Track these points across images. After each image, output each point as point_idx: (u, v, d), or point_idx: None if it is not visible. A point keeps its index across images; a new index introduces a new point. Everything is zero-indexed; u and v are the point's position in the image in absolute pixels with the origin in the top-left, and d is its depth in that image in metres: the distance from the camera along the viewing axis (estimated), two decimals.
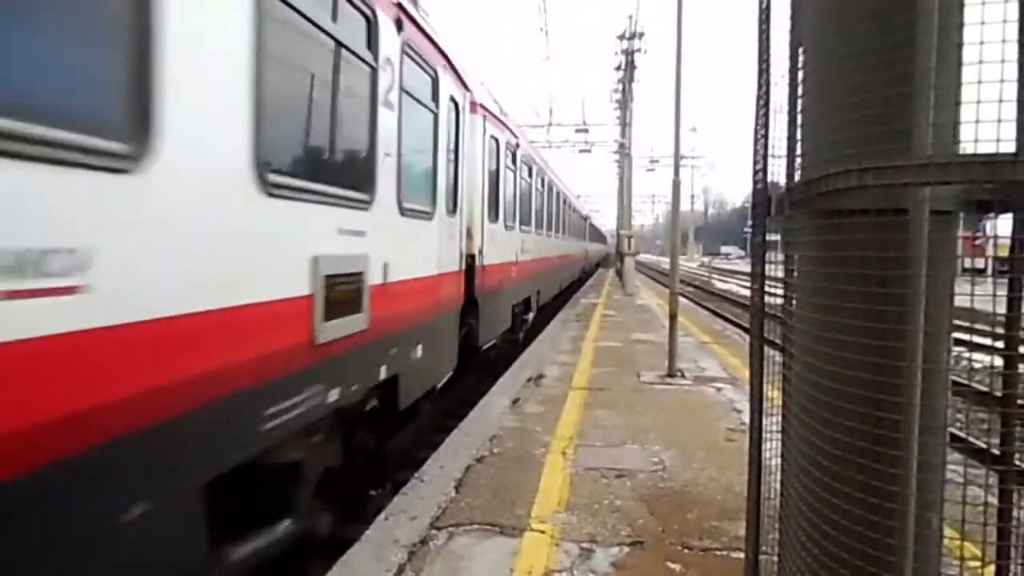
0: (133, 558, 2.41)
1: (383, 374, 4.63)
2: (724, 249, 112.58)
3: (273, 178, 3.18)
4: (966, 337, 11.35)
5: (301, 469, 3.73)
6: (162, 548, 2.56)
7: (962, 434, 6.60)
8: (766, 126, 2.47)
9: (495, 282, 8.89)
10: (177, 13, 2.53)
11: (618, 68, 29.08)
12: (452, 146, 6.75)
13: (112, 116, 2.30)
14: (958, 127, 1.79)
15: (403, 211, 4.96)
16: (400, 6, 4.89)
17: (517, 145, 10.99)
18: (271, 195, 3.17)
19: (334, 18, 3.92)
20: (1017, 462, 1.88)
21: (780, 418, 2.47)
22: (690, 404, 7.48)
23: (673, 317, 9.18)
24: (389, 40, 4.66)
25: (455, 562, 3.74)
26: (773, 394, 2.56)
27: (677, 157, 9.24)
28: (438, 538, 4.05)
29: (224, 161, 2.89)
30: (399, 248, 4.84)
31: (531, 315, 12.39)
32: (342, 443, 4.35)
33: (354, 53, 4.14)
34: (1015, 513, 1.89)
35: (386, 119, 4.63)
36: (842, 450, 1.88)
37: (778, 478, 2.48)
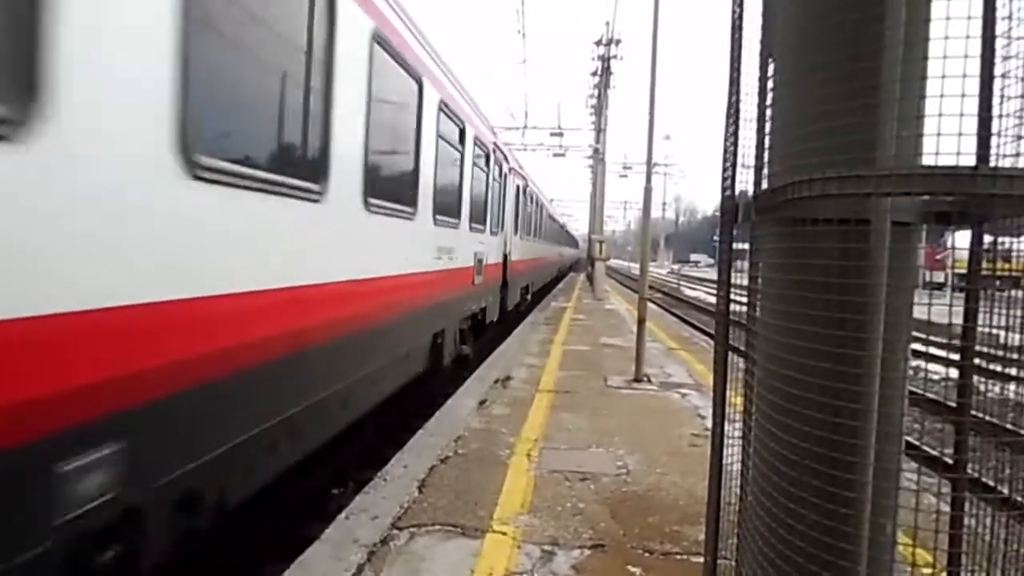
0: (417, 364, 6.83)
1: (482, 303, 10.21)
2: (694, 257, 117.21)
3: (474, 224, 8.01)
4: (923, 348, 11.64)
5: (472, 328, 9.72)
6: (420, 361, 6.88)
7: (917, 442, 6.76)
8: (735, 134, 2.50)
9: (516, 271, 14.57)
10: None
11: (594, 74, 29.29)
12: (501, 194, 12.25)
13: None
14: (921, 140, 1.82)
15: (491, 232, 10.74)
16: (497, 146, 10.00)
17: (527, 186, 17.32)
18: (466, 230, 7.68)
19: (461, 143, 8.05)
20: (969, 470, 1.92)
21: (742, 424, 2.49)
22: (655, 409, 7.53)
23: (641, 322, 9.24)
24: (496, 163, 10.13)
25: (415, 563, 3.71)
26: (736, 400, 2.58)
27: (649, 164, 9.32)
28: (399, 538, 4.01)
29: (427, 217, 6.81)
30: (489, 249, 10.43)
31: (529, 296, 18.47)
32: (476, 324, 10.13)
33: (480, 168, 9.06)
34: (966, 521, 1.92)
35: (493, 190, 10.77)
36: (800, 455, 1.90)
37: (738, 483, 2.50)
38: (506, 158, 12.70)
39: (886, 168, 1.69)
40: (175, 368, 2.77)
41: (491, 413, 7.07)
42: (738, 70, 2.54)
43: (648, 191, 9.26)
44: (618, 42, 27.48)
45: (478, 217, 9.39)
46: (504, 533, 4.12)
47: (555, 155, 31.56)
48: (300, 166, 3.87)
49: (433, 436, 6.16)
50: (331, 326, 4.31)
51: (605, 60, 27.62)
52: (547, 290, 25.74)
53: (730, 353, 2.60)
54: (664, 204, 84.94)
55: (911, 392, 2.05)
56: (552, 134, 30.78)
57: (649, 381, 8.95)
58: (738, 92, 2.52)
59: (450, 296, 7.79)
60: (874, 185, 1.63)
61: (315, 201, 4.01)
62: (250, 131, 3.44)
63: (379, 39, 4.96)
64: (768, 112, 2.26)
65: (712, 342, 14.26)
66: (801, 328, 1.91)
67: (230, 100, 3.26)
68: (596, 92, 29.66)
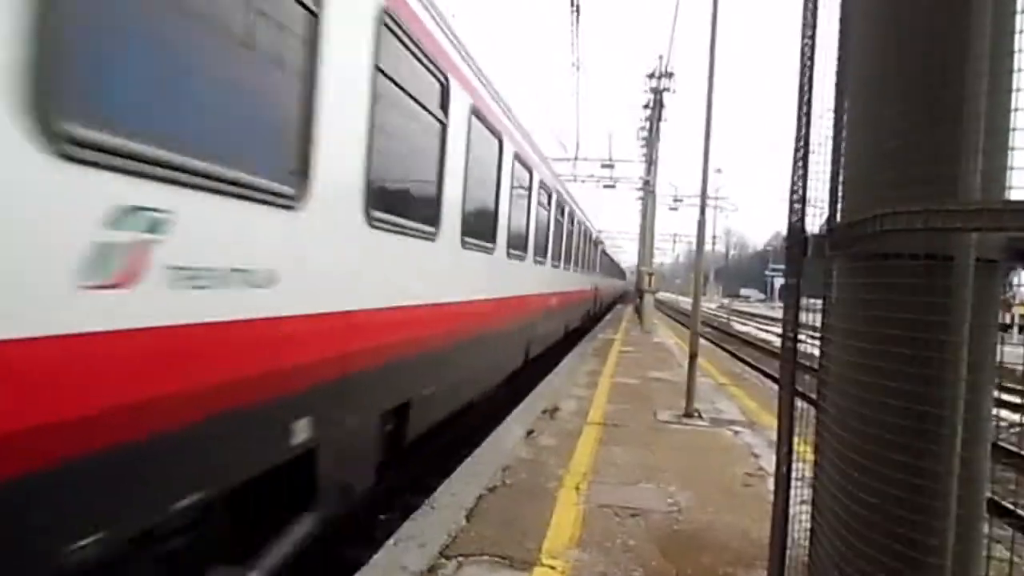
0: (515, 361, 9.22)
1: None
2: (744, 291, 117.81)
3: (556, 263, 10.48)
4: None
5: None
6: (502, 362, 8.18)
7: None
8: (805, 166, 2.46)
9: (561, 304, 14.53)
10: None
11: (646, 106, 29.34)
12: (559, 228, 13.32)
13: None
14: (1007, 173, 1.77)
15: (552, 264, 12.06)
16: (556, 185, 11.11)
17: (576, 216, 17.74)
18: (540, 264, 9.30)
19: (529, 186, 9.19)
20: None
21: (806, 467, 2.41)
22: (707, 446, 7.35)
23: (693, 357, 9.08)
24: (558, 204, 11.88)
25: None
26: (802, 448, 2.50)
27: (704, 197, 9.24)
28: (447, 567, 3.98)
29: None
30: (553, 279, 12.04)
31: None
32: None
33: (543, 207, 9.84)
34: None
35: (554, 226, 11.80)
36: (879, 498, 1.82)
37: (801, 531, 2.41)
38: (562, 195, 13.02)
39: (975, 202, 1.64)
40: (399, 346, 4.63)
41: (539, 444, 7.00)
42: (808, 103, 2.51)
43: (702, 224, 9.16)
44: (671, 75, 27.54)
45: (540, 251, 10.63)
46: (553, 567, 4.05)
47: (605, 186, 31.61)
48: (425, 218, 5.06)
49: (480, 465, 6.13)
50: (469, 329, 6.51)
51: (657, 93, 27.67)
52: (589, 325, 25.52)
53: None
54: (714, 237, 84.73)
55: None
56: (603, 165, 30.87)
57: (700, 417, 8.76)
58: (808, 123, 2.49)
59: (527, 318, 9.68)
60: (962, 220, 1.58)
61: (432, 240, 5.24)
62: (399, 196, 4.62)
63: (476, 112, 6.18)
64: (842, 146, 2.22)
65: (764, 380, 13.90)
66: (880, 366, 1.84)
67: (390, 174, 4.36)
68: (648, 124, 29.69)
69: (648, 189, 28.36)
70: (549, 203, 11.24)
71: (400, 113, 4.38)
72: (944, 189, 1.74)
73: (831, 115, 2.31)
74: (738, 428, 8.36)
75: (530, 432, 7.48)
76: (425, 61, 4.73)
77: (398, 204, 4.50)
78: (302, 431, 3.34)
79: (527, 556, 4.17)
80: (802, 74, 2.61)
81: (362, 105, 3.76)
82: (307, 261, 3.26)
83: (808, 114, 2.52)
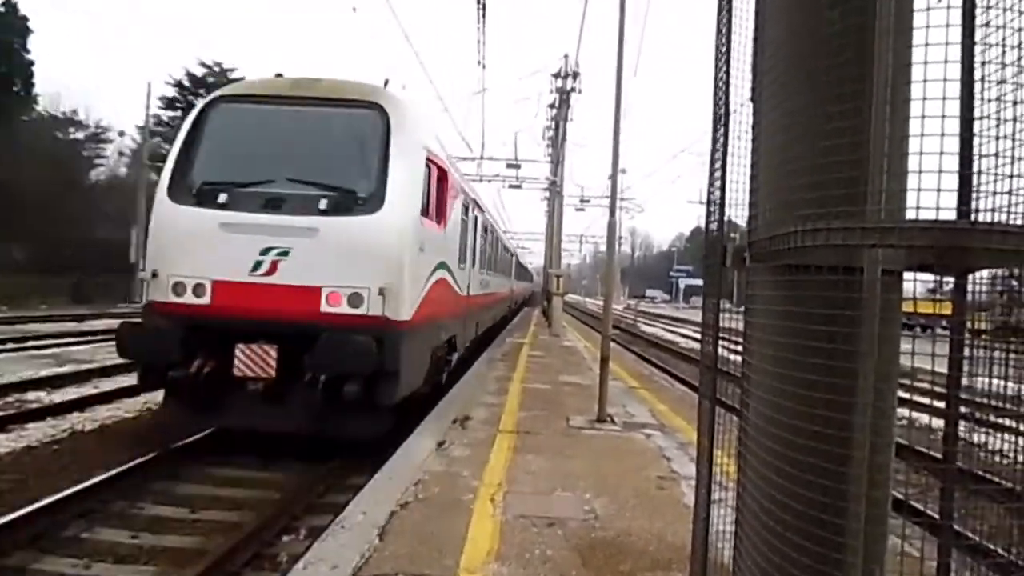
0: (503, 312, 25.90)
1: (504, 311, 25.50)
2: (650, 292, 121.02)
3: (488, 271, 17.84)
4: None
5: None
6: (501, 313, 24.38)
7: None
8: (723, 175, 2.60)
9: (476, 306, 17.57)
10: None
11: (552, 106, 29.86)
12: (473, 232, 15.29)
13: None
14: (904, 194, 1.95)
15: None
16: (471, 195, 14.13)
17: (483, 217, 20.92)
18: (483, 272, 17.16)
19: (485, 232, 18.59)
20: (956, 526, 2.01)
21: (722, 472, 2.56)
22: (620, 450, 7.58)
23: (604, 361, 9.32)
24: (469, 206, 13.63)
25: None
26: (719, 454, 2.64)
27: (614, 198, 9.52)
28: None
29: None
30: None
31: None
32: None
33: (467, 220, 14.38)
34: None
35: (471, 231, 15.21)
36: (796, 501, 1.97)
37: (715, 532, 2.55)
38: (469, 195, 13.59)
39: (873, 221, 1.80)
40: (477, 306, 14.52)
41: (451, 455, 7.01)
42: (725, 111, 2.66)
43: (612, 225, 9.43)
44: (576, 75, 28.13)
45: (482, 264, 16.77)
46: None
47: (511, 186, 31.88)
48: (488, 263, 16.56)
49: (392, 479, 6.08)
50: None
51: (563, 93, 28.21)
52: (501, 327, 26.07)
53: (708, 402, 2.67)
54: (620, 238, 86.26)
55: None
56: (508, 165, 31.12)
57: (612, 421, 9.02)
58: (726, 133, 2.64)
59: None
60: (861, 237, 1.73)
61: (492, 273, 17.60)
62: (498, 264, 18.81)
63: (465, 205, 12.53)
64: (752, 157, 2.38)
65: (672, 381, 14.55)
66: (793, 375, 1.99)
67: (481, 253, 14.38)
68: (553, 124, 30.21)
69: (555, 190, 28.88)
70: (477, 225, 14.47)
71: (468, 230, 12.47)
72: (856, 207, 1.90)
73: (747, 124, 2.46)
74: (650, 431, 8.67)
75: (441, 443, 7.48)
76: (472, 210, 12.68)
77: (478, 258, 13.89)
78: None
79: (445, 573, 4.19)
80: (716, 83, 2.76)
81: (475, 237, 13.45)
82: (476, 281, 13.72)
83: (726, 123, 2.67)
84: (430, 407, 9.50)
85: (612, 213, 9.39)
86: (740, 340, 2.29)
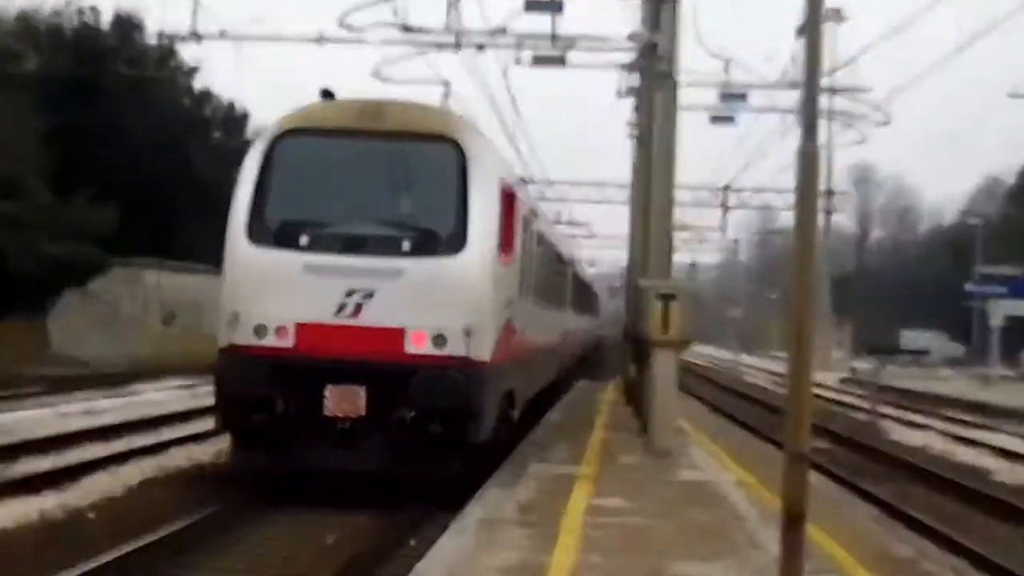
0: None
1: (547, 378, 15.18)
2: (910, 337, 45.61)
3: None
4: None
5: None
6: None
7: None
8: None
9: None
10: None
11: None
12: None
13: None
14: None
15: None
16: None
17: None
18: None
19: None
20: None
21: None
22: None
23: (796, 520, 3.81)
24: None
25: None
26: None
27: (813, 83, 3.95)
28: None
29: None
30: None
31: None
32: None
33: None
34: None
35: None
36: None
37: None
38: (526, 204, 10.83)
39: None
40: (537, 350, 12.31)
41: None
42: None
43: (810, 157, 3.89)
44: None
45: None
46: None
47: (539, 62, 13.83)
48: (561, 298, 16.35)
49: None
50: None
51: None
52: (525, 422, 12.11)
53: None
54: (831, 197, 33.89)
55: None
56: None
57: None
58: None
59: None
60: None
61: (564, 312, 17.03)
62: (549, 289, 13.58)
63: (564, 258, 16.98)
64: None
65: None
66: None
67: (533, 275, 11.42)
68: None
69: (655, 70, 11.11)
70: (532, 239, 11.16)
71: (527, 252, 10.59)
72: None
73: None
74: None
75: None
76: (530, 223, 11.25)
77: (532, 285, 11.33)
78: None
79: None
80: None
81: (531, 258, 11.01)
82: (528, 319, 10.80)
83: None
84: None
85: (809, 129, 3.87)
86: None
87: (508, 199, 8.68)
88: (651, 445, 9.95)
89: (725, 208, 32.96)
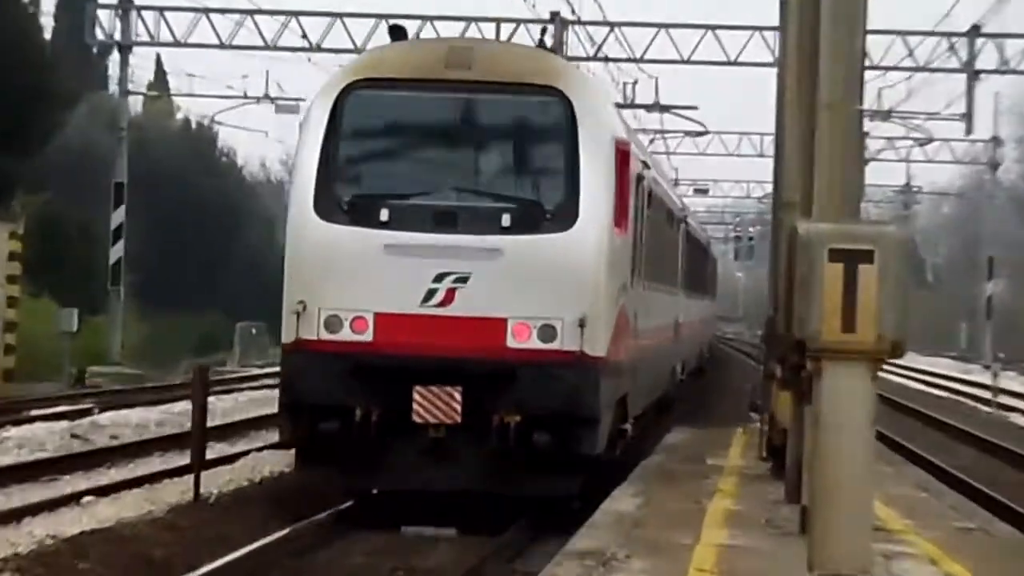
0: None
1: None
2: None
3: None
4: None
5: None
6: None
7: None
8: None
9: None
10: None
11: None
12: None
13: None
14: None
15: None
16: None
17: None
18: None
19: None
20: None
21: None
22: None
23: None
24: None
25: None
26: None
27: None
28: None
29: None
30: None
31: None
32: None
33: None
34: None
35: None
36: None
37: None
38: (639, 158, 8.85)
39: None
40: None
41: None
42: None
43: None
44: None
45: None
46: None
47: None
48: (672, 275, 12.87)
49: None
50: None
51: None
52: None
53: None
54: None
55: None
56: None
57: None
58: None
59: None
60: None
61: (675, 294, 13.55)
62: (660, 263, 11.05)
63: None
64: None
65: None
66: None
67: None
68: None
69: None
70: (643, 199, 9.01)
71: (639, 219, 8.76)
72: None
73: None
74: None
75: None
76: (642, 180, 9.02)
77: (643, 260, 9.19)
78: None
79: None
80: None
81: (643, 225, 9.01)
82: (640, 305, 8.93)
83: None
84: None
85: None
86: None
87: (623, 158, 7.29)
88: (819, 563, 4.13)
89: (972, 73, 16.30)
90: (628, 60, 23.64)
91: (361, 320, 6.64)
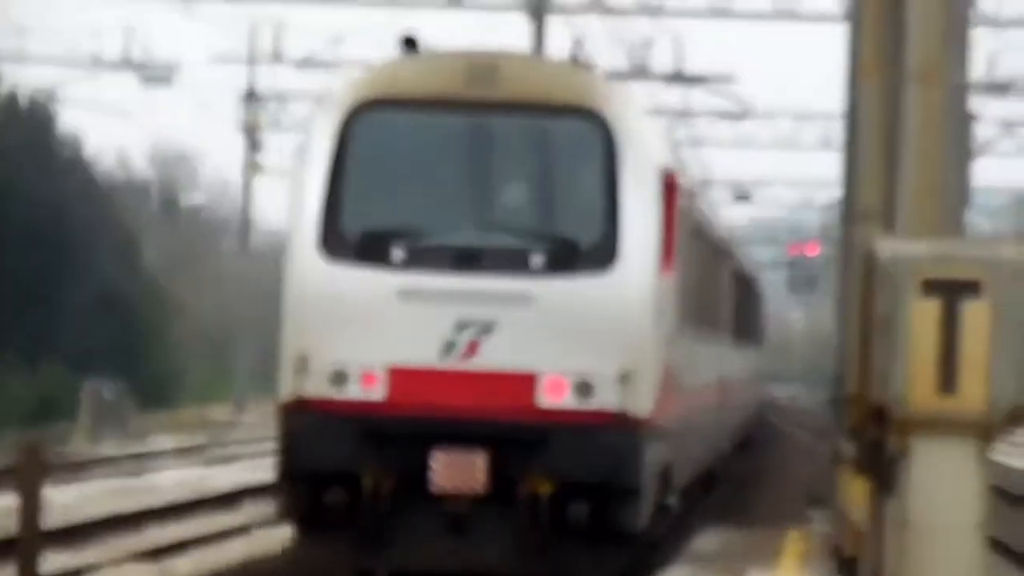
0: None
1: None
2: None
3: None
4: None
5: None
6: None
7: None
8: None
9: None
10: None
11: None
12: None
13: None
14: None
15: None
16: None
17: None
18: None
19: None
20: None
21: None
22: None
23: None
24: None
25: None
26: None
27: None
28: None
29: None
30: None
31: None
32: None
33: None
34: None
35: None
36: None
37: None
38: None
39: None
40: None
41: None
42: None
43: None
44: None
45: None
46: None
47: None
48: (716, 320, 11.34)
49: None
50: None
51: None
52: None
53: None
54: None
55: None
56: None
57: None
58: None
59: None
60: None
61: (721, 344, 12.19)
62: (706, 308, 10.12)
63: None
64: None
65: None
66: None
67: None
68: None
69: None
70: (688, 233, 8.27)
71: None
72: None
73: None
74: None
75: None
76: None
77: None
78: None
79: None
80: None
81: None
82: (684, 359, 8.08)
83: None
84: None
85: None
86: None
87: (669, 189, 6.59)
88: None
89: None
90: (638, 12, 16.83)
91: (371, 375, 6.10)
